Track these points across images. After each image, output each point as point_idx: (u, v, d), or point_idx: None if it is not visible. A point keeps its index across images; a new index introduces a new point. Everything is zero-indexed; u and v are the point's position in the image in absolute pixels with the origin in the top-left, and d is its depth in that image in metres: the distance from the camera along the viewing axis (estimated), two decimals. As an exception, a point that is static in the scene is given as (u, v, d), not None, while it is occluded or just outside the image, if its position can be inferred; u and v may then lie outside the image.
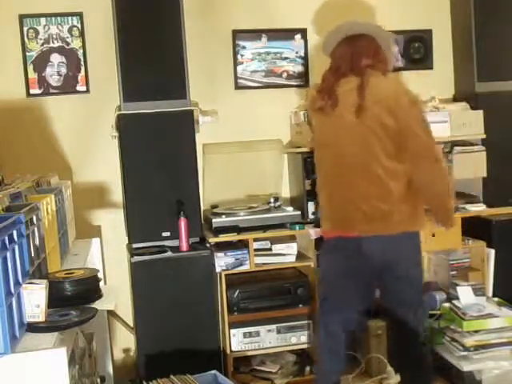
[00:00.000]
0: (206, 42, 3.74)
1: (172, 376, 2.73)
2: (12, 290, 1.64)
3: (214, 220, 3.45)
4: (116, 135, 3.40)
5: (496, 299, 3.49)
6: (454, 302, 3.41)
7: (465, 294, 3.40)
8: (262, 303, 3.44)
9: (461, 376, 3.21)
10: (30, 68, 3.57)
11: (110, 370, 3.43)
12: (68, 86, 3.62)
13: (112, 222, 3.66)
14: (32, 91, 3.58)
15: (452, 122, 3.67)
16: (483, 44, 3.74)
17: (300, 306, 3.47)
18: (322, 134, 2.81)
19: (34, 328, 1.78)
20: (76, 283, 2.10)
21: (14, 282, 1.67)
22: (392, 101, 2.60)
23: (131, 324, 3.60)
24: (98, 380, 2.89)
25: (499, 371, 3.17)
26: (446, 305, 3.45)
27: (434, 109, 3.75)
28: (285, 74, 3.88)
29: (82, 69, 3.62)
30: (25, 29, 3.54)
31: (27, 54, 3.56)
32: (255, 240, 3.42)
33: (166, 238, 3.34)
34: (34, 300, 1.79)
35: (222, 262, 3.38)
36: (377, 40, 2.75)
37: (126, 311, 3.60)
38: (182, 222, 3.24)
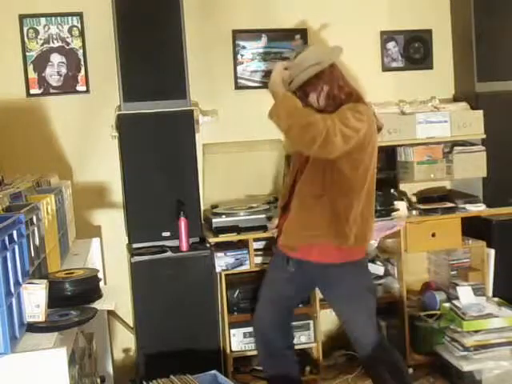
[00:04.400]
0: (206, 42, 3.74)
1: (172, 376, 2.73)
2: (12, 289, 1.64)
3: (214, 220, 3.45)
4: (116, 135, 3.40)
5: (496, 299, 3.49)
6: (454, 301, 3.41)
7: (465, 294, 3.40)
8: (262, 303, 3.43)
9: (461, 376, 3.21)
10: (30, 68, 3.57)
11: (110, 370, 3.43)
12: (68, 86, 3.62)
13: (112, 221, 3.66)
14: (32, 91, 3.58)
15: (452, 121, 3.68)
16: (483, 44, 3.74)
17: (300, 306, 3.46)
18: (374, 150, 2.71)
19: (33, 328, 1.77)
20: (76, 283, 2.09)
21: (14, 281, 1.67)
22: None
23: (131, 324, 3.59)
24: (98, 380, 2.89)
25: (499, 371, 3.17)
26: (446, 305, 3.45)
27: (434, 109, 3.76)
28: (285, 74, 3.87)
29: (82, 69, 3.62)
30: (25, 29, 3.54)
31: (27, 53, 3.56)
32: (255, 240, 3.42)
33: (166, 238, 3.33)
34: (34, 300, 1.79)
35: (222, 262, 3.38)
36: None
37: (126, 311, 3.60)
38: (182, 222, 3.24)
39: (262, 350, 2.98)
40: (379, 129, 2.76)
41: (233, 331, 3.40)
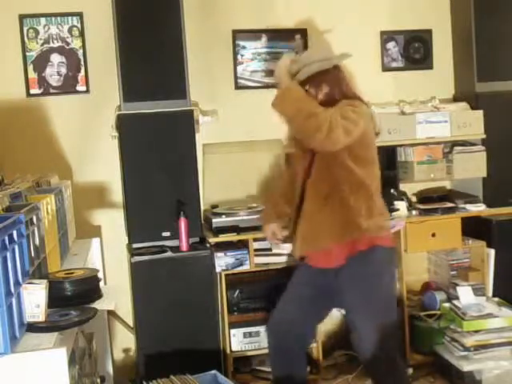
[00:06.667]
0: (206, 42, 3.74)
1: (172, 376, 2.73)
2: (12, 289, 1.64)
3: (214, 220, 3.45)
4: (116, 135, 3.40)
5: (496, 299, 3.49)
6: (454, 301, 3.41)
7: (465, 294, 3.40)
8: (262, 303, 3.44)
9: (461, 376, 3.21)
10: (30, 68, 3.57)
11: (110, 370, 3.43)
12: (68, 86, 3.62)
13: (112, 221, 3.66)
14: (32, 91, 3.58)
15: (452, 121, 3.68)
16: (483, 44, 3.74)
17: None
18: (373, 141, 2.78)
19: (33, 328, 1.77)
20: (76, 283, 2.09)
21: (14, 281, 1.67)
22: None
23: (131, 324, 3.60)
24: (98, 380, 2.89)
25: (499, 371, 3.17)
26: (446, 305, 3.45)
27: (434, 109, 3.76)
28: (285, 74, 3.87)
29: (82, 69, 3.62)
30: (25, 29, 3.54)
31: (27, 53, 3.56)
32: (255, 240, 3.42)
33: (166, 238, 3.33)
34: (34, 300, 1.79)
35: (222, 261, 3.38)
36: None
37: (126, 311, 3.60)
38: (182, 222, 3.24)
39: (277, 347, 2.87)
40: (376, 134, 2.79)
41: (233, 331, 3.40)
